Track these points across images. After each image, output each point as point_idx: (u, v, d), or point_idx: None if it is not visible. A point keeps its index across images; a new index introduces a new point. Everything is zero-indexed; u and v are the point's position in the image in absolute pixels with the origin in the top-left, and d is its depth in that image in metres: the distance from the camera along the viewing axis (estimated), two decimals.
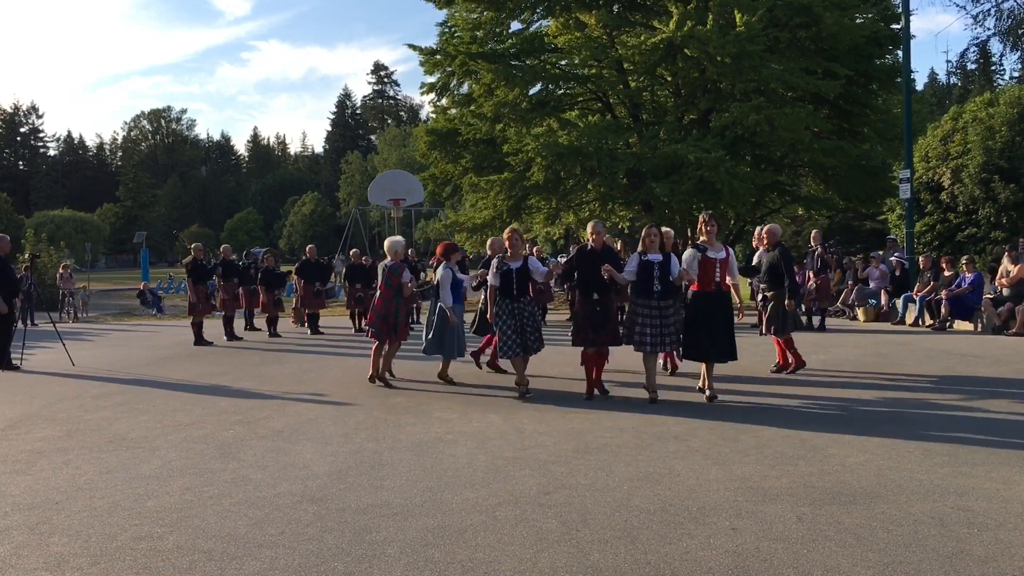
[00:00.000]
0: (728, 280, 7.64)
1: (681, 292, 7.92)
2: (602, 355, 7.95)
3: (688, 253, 7.73)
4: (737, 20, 17.51)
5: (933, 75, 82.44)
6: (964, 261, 13.93)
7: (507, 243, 8.00)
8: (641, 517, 4.33)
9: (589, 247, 7.80)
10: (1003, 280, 13.08)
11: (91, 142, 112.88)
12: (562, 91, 21.67)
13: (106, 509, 4.72)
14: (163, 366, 11.19)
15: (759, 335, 9.70)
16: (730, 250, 7.82)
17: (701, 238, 7.78)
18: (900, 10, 18.12)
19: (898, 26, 19.02)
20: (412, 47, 21.46)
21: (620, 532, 4.12)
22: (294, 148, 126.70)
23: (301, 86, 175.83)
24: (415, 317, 16.23)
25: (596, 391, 7.94)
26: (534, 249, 17.70)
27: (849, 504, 4.46)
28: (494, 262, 8.00)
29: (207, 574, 3.74)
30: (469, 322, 9.74)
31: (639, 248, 7.69)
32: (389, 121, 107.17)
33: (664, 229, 8.54)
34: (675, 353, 8.58)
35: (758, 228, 10.08)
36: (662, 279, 7.51)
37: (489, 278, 8.03)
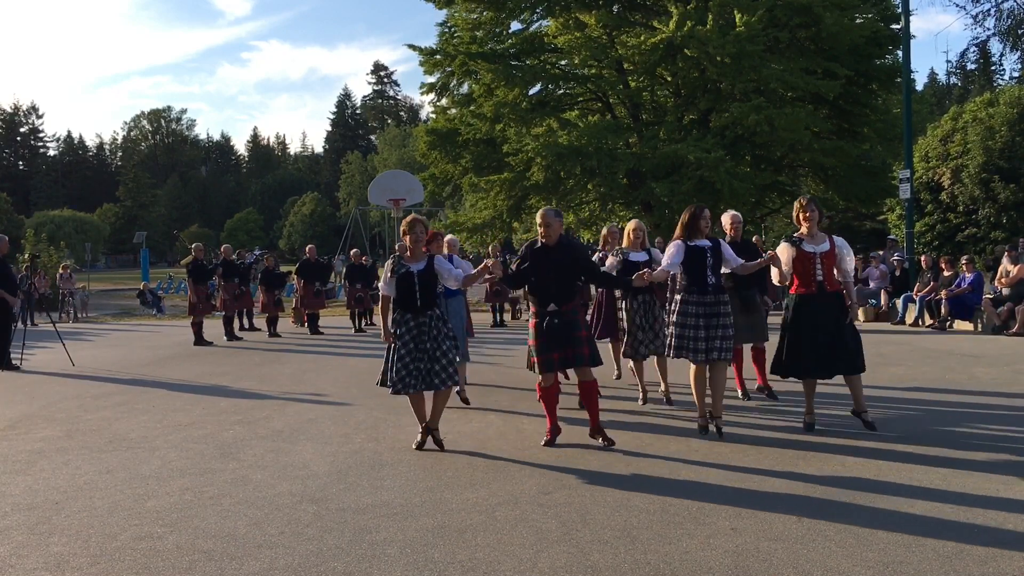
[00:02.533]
0: (838, 277, 6.24)
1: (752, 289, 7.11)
2: (589, 389, 5.98)
3: (781, 247, 6.29)
4: (737, 20, 17.53)
5: (933, 75, 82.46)
6: (964, 261, 13.93)
7: (406, 237, 5.92)
8: (641, 517, 4.33)
9: (540, 243, 5.96)
10: (1003, 280, 13.08)
11: (91, 142, 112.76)
12: (562, 91, 21.70)
13: (106, 509, 4.72)
14: (163, 366, 11.19)
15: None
16: (838, 241, 6.29)
17: (802, 228, 6.28)
18: (900, 10, 18.13)
19: (898, 26, 19.05)
20: (412, 47, 21.54)
21: (620, 532, 4.12)
22: (294, 148, 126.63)
23: (301, 86, 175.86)
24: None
25: (600, 439, 5.91)
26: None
27: (849, 504, 4.46)
28: (388, 262, 6.04)
29: (207, 574, 3.74)
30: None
31: (678, 234, 6.23)
32: (389, 121, 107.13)
33: (732, 213, 7.68)
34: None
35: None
36: (715, 269, 6.13)
37: (381, 285, 6.08)
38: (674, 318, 6.21)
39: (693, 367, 6.18)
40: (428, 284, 5.85)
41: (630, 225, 7.62)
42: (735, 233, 7.54)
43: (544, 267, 5.87)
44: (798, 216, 6.27)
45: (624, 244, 7.62)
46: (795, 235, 6.31)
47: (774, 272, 6.36)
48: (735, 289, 7.31)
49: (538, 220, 5.97)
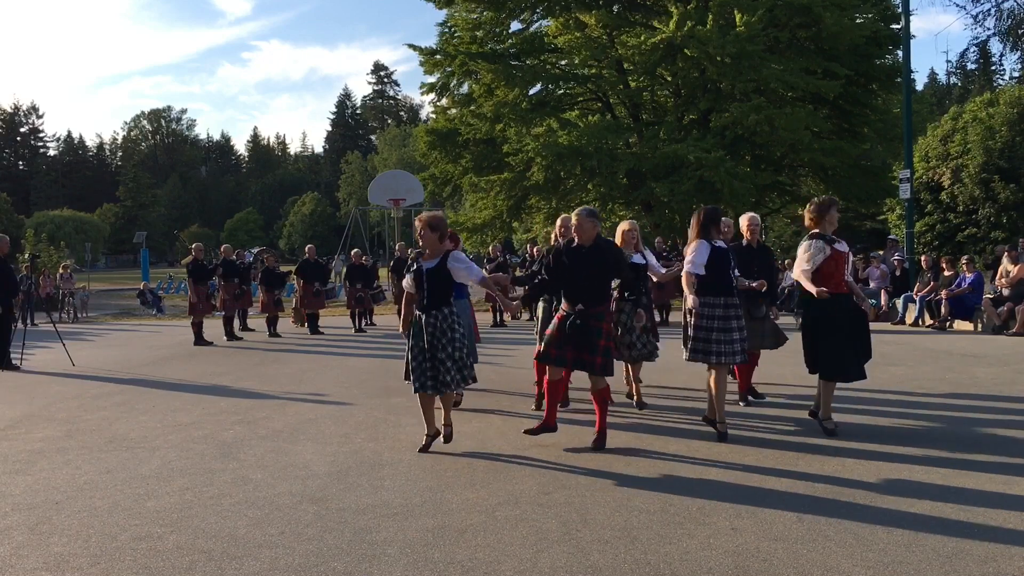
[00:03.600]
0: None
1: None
2: (602, 393, 5.85)
3: (815, 246, 5.96)
4: (737, 20, 17.55)
5: (933, 75, 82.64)
6: (964, 261, 13.93)
7: (419, 235, 5.78)
8: (641, 517, 4.33)
9: (575, 243, 5.81)
10: (1003, 280, 13.08)
11: (91, 142, 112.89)
12: (562, 91, 21.72)
13: (106, 509, 4.72)
14: (163, 366, 11.19)
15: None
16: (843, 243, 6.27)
17: (828, 228, 6.07)
18: (900, 10, 18.14)
19: (898, 26, 19.07)
20: (412, 47, 21.56)
21: (620, 532, 4.12)
22: (294, 148, 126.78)
23: (302, 86, 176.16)
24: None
25: (595, 444, 5.81)
26: (530, 246, 17.73)
27: (849, 504, 4.46)
28: (411, 256, 5.84)
29: (207, 574, 3.74)
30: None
31: (696, 234, 6.09)
32: (389, 121, 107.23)
33: (751, 215, 7.48)
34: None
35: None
36: (733, 271, 6.15)
37: (405, 282, 5.92)
38: (693, 320, 6.05)
39: (713, 372, 6.02)
40: (437, 282, 5.66)
41: (623, 227, 7.20)
42: (752, 236, 7.32)
43: (576, 267, 5.73)
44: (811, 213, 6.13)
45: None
46: (822, 233, 6.03)
47: (808, 284, 5.97)
48: (744, 299, 7.20)
49: (573, 221, 5.82)
